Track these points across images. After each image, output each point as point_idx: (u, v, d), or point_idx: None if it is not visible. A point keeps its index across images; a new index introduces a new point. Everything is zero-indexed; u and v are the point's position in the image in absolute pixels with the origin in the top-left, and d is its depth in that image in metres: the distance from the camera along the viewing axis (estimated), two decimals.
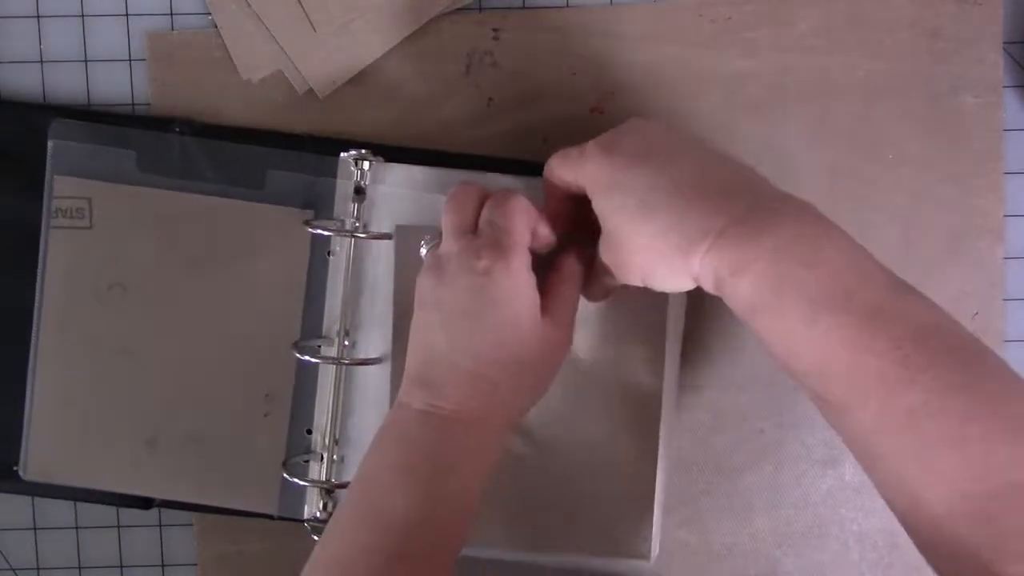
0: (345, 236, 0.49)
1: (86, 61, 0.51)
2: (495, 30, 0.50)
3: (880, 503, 0.36)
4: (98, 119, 0.50)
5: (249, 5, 0.50)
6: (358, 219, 0.49)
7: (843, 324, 0.34)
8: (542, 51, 0.51)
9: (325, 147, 0.50)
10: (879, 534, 0.52)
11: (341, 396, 0.50)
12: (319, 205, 0.50)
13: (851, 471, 0.52)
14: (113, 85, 0.51)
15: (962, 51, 0.51)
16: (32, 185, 0.49)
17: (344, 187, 0.49)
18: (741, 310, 0.37)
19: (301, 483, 0.50)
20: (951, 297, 0.52)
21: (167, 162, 0.49)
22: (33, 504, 0.53)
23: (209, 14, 0.50)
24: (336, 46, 0.50)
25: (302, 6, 0.49)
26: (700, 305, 0.51)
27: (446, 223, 0.43)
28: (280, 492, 0.51)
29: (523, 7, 0.51)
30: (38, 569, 0.53)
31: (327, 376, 0.50)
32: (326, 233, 0.49)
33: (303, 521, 0.50)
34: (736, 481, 0.52)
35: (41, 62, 0.51)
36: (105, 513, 0.53)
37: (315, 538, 0.50)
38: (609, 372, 0.48)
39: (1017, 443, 0.32)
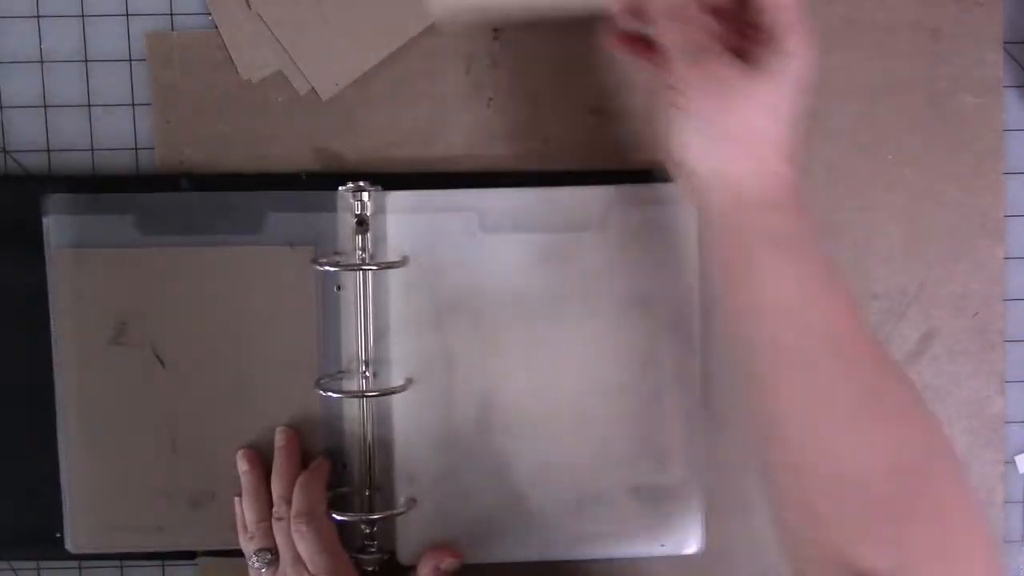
0: (351, 270, 0.49)
1: (86, 61, 0.51)
2: (495, 30, 0.50)
3: None
4: (95, 186, 0.50)
5: (249, 5, 0.50)
6: (364, 250, 0.49)
7: None
8: (542, 51, 0.51)
9: (323, 183, 0.49)
10: None
11: (369, 428, 0.49)
12: (323, 241, 0.49)
13: None
14: (113, 85, 0.51)
15: (962, 51, 0.51)
16: (34, 258, 0.49)
17: (346, 220, 0.49)
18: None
19: (344, 519, 0.49)
20: (951, 297, 0.52)
21: (166, 220, 0.49)
22: None
23: (209, 14, 0.50)
24: (339, 47, 0.50)
25: (309, 7, 0.50)
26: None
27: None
28: None
29: None
30: (39, 570, 0.53)
31: (352, 411, 0.50)
32: (332, 269, 0.49)
33: (353, 555, 0.49)
34: (736, 481, 0.52)
35: (41, 62, 0.51)
36: None
37: (367, 569, 0.49)
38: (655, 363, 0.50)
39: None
